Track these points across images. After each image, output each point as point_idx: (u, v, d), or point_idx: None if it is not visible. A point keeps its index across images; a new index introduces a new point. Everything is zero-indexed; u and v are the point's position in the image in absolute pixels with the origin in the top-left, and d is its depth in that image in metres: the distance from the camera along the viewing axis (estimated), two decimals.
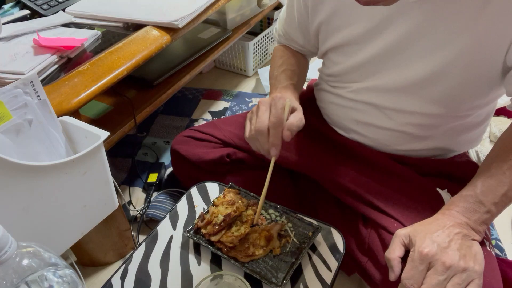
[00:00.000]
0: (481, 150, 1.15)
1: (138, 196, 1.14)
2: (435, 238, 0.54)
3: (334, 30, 0.71)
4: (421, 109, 0.67)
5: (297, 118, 0.63)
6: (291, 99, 0.67)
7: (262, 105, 0.65)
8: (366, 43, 0.67)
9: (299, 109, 0.66)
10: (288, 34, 0.84)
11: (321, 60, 0.83)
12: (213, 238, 0.62)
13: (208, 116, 1.44)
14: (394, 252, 0.56)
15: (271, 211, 0.69)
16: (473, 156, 1.15)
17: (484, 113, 0.72)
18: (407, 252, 0.57)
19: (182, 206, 0.73)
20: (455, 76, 0.62)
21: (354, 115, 0.75)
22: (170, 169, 1.19)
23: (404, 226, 0.64)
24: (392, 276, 0.56)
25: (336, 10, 0.68)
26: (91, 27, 0.94)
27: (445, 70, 0.61)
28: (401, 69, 0.65)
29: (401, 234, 0.58)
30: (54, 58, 0.78)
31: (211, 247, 0.62)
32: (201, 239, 0.63)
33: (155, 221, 1.02)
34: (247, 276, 0.59)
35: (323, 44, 0.76)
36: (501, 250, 0.93)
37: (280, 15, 0.86)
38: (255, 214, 0.67)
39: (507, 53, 0.57)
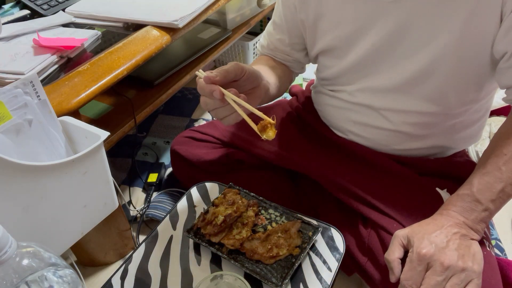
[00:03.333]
0: (481, 150, 1.15)
1: (138, 196, 1.14)
2: (433, 239, 0.54)
3: (321, 34, 0.71)
4: (416, 108, 0.67)
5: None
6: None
7: None
8: (353, 45, 0.67)
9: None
10: (273, 44, 0.82)
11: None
12: (214, 239, 0.62)
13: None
14: (394, 254, 0.57)
15: (271, 211, 0.69)
16: (473, 156, 1.15)
17: (480, 109, 0.72)
18: (406, 253, 0.57)
19: (182, 206, 0.73)
20: (444, 72, 0.62)
21: (351, 116, 0.75)
22: (170, 169, 1.19)
23: (404, 226, 0.64)
24: (393, 278, 0.56)
25: (321, 13, 0.68)
26: (91, 27, 0.94)
27: (433, 67, 0.62)
28: (391, 69, 0.66)
29: (400, 235, 0.58)
30: (54, 58, 0.78)
31: (211, 247, 0.62)
32: (201, 239, 0.63)
33: (155, 221, 1.02)
34: (247, 276, 0.59)
35: (311, 49, 0.76)
36: (501, 250, 0.93)
37: (266, 29, 0.84)
38: (255, 216, 0.67)
39: (492, 46, 0.57)
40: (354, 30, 0.65)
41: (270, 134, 0.54)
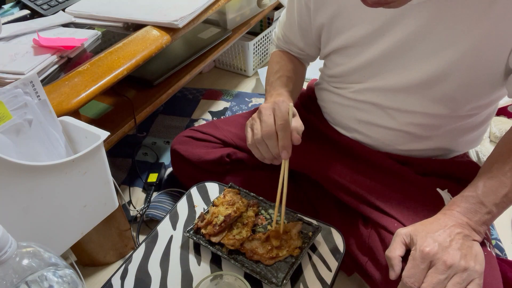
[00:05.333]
0: (481, 150, 1.15)
1: (138, 196, 1.14)
2: (437, 237, 0.54)
3: (337, 33, 0.70)
4: (424, 109, 0.67)
5: (299, 123, 0.63)
6: None
7: (265, 109, 0.63)
8: (368, 45, 0.67)
9: (297, 114, 0.65)
10: (287, 37, 0.83)
11: (322, 60, 0.83)
12: (214, 239, 0.62)
13: (208, 116, 1.44)
14: (395, 251, 0.57)
15: (271, 211, 0.69)
16: (473, 156, 1.15)
17: (485, 114, 0.72)
18: (407, 251, 0.57)
19: (182, 206, 0.73)
20: (458, 77, 0.62)
21: (356, 114, 0.75)
22: (170, 169, 1.19)
23: (404, 226, 0.64)
24: (393, 275, 0.56)
25: (338, 12, 0.68)
26: (91, 27, 0.94)
27: (448, 72, 0.61)
28: (404, 71, 0.65)
29: (402, 233, 0.58)
30: (54, 58, 0.78)
31: (211, 247, 0.62)
32: (201, 239, 0.63)
33: (155, 221, 1.02)
34: (247, 276, 0.59)
35: (325, 46, 0.76)
36: (501, 250, 0.93)
37: (280, 18, 0.85)
38: (255, 216, 0.67)
39: (510, 55, 0.57)
40: (372, 31, 0.65)
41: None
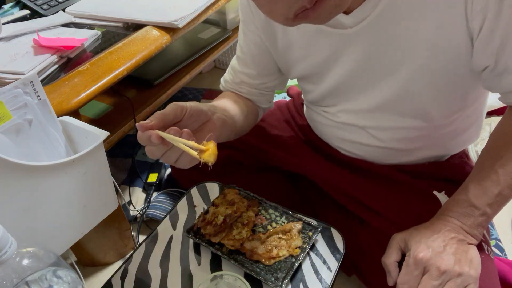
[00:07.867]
0: (481, 150, 1.15)
1: (138, 196, 1.14)
2: (430, 243, 0.54)
3: (293, 63, 0.70)
4: (401, 124, 0.66)
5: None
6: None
7: None
8: (325, 73, 0.66)
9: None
10: (239, 78, 0.77)
11: None
12: (214, 239, 0.62)
13: None
14: (391, 257, 0.57)
15: (271, 211, 0.69)
16: (472, 156, 1.15)
17: (472, 114, 0.69)
18: (404, 256, 0.57)
19: (182, 206, 0.73)
20: (420, 89, 0.60)
21: (339, 134, 0.74)
22: (170, 169, 1.19)
23: (401, 229, 0.64)
24: (391, 281, 0.56)
25: (289, 45, 0.67)
26: (91, 27, 0.94)
27: (409, 86, 0.60)
28: (368, 91, 0.64)
29: (397, 238, 0.58)
30: (54, 58, 0.78)
31: (211, 248, 0.62)
32: (201, 239, 0.63)
33: (155, 221, 1.02)
34: (247, 276, 0.59)
35: (287, 74, 0.75)
36: (501, 250, 0.92)
37: (230, 65, 0.81)
38: (255, 216, 0.67)
39: (465, 59, 0.55)
40: (324, 60, 0.64)
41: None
